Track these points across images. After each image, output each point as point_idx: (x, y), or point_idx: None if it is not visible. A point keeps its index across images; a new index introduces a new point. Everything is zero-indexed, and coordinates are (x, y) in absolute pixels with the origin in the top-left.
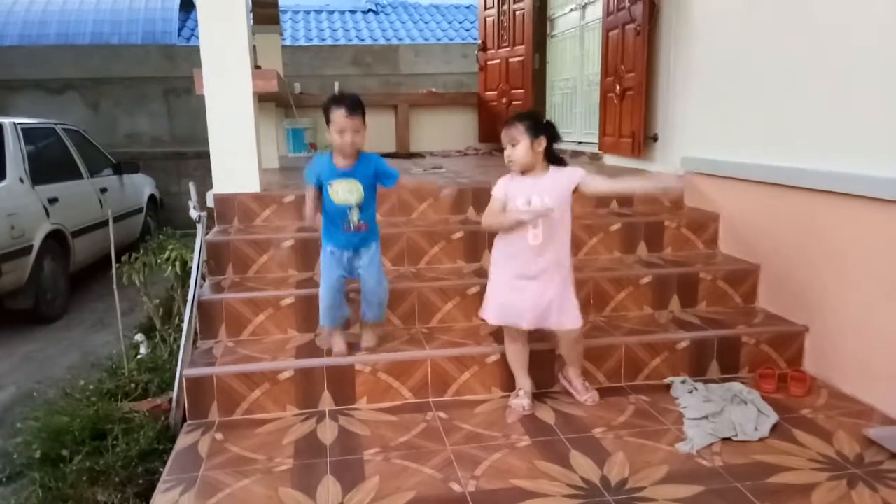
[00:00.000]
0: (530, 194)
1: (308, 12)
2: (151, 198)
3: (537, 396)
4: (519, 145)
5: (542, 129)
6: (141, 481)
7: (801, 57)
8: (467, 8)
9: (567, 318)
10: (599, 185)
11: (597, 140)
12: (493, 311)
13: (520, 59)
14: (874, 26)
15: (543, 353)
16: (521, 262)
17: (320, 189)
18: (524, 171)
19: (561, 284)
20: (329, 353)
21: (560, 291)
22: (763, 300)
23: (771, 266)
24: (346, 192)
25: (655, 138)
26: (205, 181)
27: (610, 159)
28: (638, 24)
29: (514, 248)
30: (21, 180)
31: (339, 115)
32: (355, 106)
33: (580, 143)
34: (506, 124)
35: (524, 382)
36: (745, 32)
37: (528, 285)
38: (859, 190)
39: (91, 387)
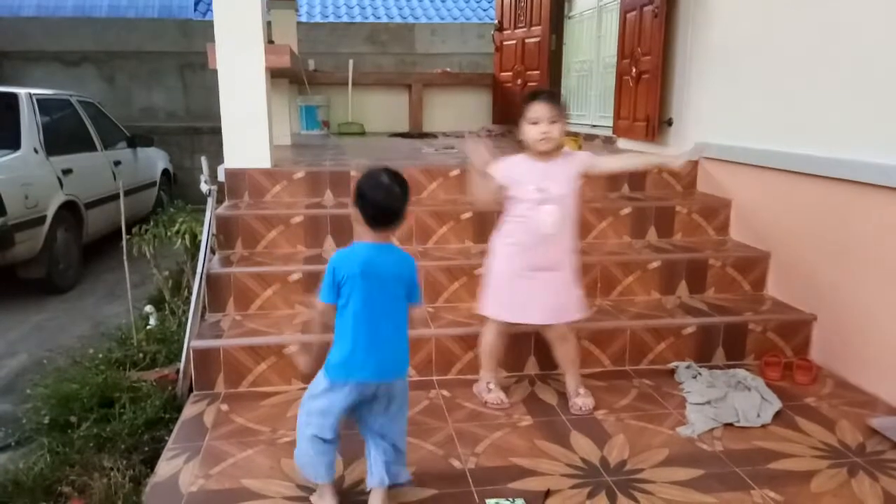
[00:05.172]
0: (541, 181)
1: None
2: (165, 172)
3: (541, 378)
4: (558, 123)
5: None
6: (147, 449)
7: (817, 44)
8: None
9: (576, 308)
10: (606, 164)
11: (611, 123)
12: (497, 308)
13: (536, 39)
14: (892, 14)
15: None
16: (537, 253)
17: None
18: (545, 154)
19: (573, 273)
20: None
21: (571, 279)
22: (772, 288)
23: (781, 254)
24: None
25: (670, 123)
26: (218, 156)
27: (624, 143)
28: (656, 7)
29: (528, 237)
30: (35, 151)
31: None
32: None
33: (594, 126)
34: (542, 97)
35: (492, 376)
36: (762, 18)
37: (543, 276)
38: (873, 179)
39: (100, 356)
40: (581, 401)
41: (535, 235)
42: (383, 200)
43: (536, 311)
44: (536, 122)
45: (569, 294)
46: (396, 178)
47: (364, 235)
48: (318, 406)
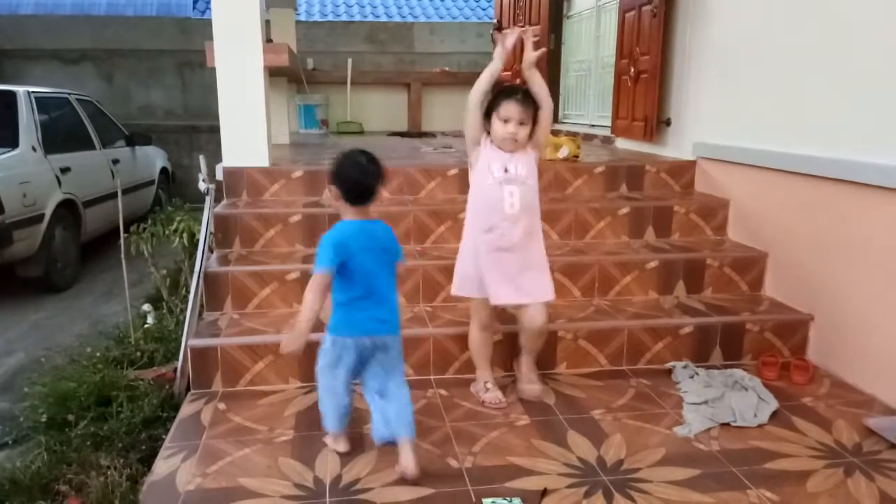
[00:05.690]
0: (507, 162)
1: None
2: (163, 170)
3: (538, 377)
4: (527, 126)
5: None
6: (144, 447)
7: (816, 44)
8: None
9: (543, 290)
10: (541, 130)
11: (609, 123)
12: (461, 283)
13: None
14: (891, 13)
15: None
16: (498, 234)
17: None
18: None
19: (538, 255)
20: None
21: (538, 262)
22: (769, 288)
23: (779, 254)
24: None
25: (668, 122)
26: (217, 155)
27: (622, 143)
28: (655, 6)
29: (490, 219)
30: (34, 149)
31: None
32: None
33: (593, 125)
34: (517, 97)
35: (489, 374)
36: (761, 19)
37: (506, 257)
38: (871, 179)
39: (98, 354)
40: (529, 387)
41: (498, 215)
42: (360, 178)
43: (499, 292)
44: (507, 121)
45: (531, 276)
46: (370, 157)
47: (346, 213)
48: (328, 362)
